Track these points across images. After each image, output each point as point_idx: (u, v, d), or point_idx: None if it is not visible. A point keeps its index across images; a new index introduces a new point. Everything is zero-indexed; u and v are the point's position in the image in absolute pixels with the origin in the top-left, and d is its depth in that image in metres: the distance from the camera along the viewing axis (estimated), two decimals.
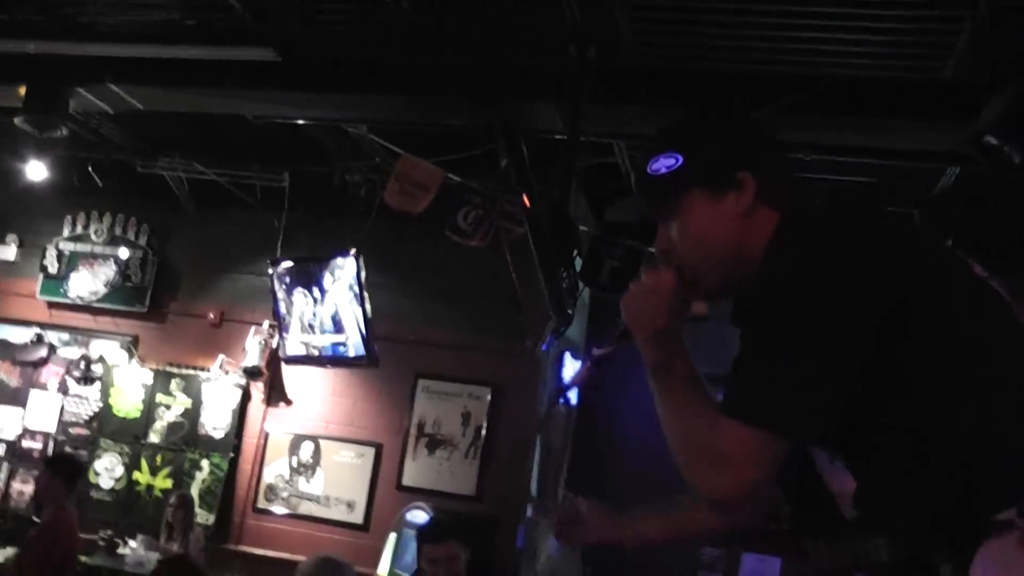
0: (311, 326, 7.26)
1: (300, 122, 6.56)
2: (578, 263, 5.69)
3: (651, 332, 1.73)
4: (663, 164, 1.76)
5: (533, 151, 5.82)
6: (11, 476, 8.05)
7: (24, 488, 7.98)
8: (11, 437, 8.23)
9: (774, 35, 4.71)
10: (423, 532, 5.01)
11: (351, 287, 6.97)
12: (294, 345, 7.38)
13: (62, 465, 6.02)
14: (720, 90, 5.18)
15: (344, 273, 7.00)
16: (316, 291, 7.18)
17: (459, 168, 6.33)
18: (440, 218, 6.42)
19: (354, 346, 7.03)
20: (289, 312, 7.34)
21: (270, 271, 7.38)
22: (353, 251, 6.94)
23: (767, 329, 1.58)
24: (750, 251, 1.70)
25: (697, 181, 1.73)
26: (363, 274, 6.89)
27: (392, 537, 6.81)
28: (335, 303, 7.08)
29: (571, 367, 7.39)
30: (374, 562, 6.73)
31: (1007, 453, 1.45)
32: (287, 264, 7.32)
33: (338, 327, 7.10)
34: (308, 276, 7.21)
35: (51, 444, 8.09)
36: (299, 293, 7.26)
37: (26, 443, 8.19)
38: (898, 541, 1.55)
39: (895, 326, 1.52)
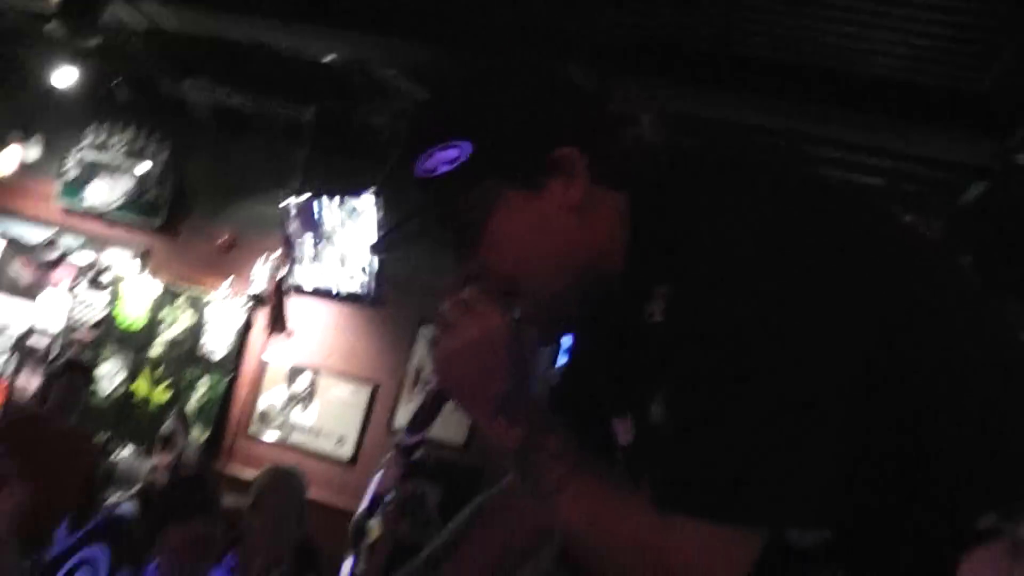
0: (321, 260, 7.38)
1: (329, 58, 6.59)
2: None
3: (491, 403, 1.24)
4: (441, 160, 1.23)
5: None
6: (16, 371, 8.21)
7: (27, 384, 8.18)
8: (19, 333, 8.40)
9: (811, 25, 4.71)
10: None
11: (365, 227, 7.07)
12: (302, 277, 7.50)
13: (83, 371, 5.90)
14: (748, 78, 5.22)
15: (360, 212, 7.09)
16: (330, 226, 7.28)
17: None
18: None
19: (361, 285, 7.15)
20: (300, 244, 7.45)
21: (286, 201, 7.46)
22: (372, 191, 7.02)
23: (716, 379, 1.08)
24: (600, 251, 1.25)
25: (499, 173, 1.23)
26: (380, 214, 6.95)
27: (378, 476, 6.93)
28: (347, 240, 7.18)
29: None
30: (358, 498, 6.85)
31: (983, 460, 1.14)
32: (304, 196, 7.38)
33: (348, 264, 7.21)
34: (324, 210, 7.30)
35: (57, 344, 8.25)
36: (313, 226, 7.36)
37: (32, 340, 8.36)
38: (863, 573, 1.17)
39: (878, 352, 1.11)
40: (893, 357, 1.12)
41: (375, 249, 1.60)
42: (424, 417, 1.41)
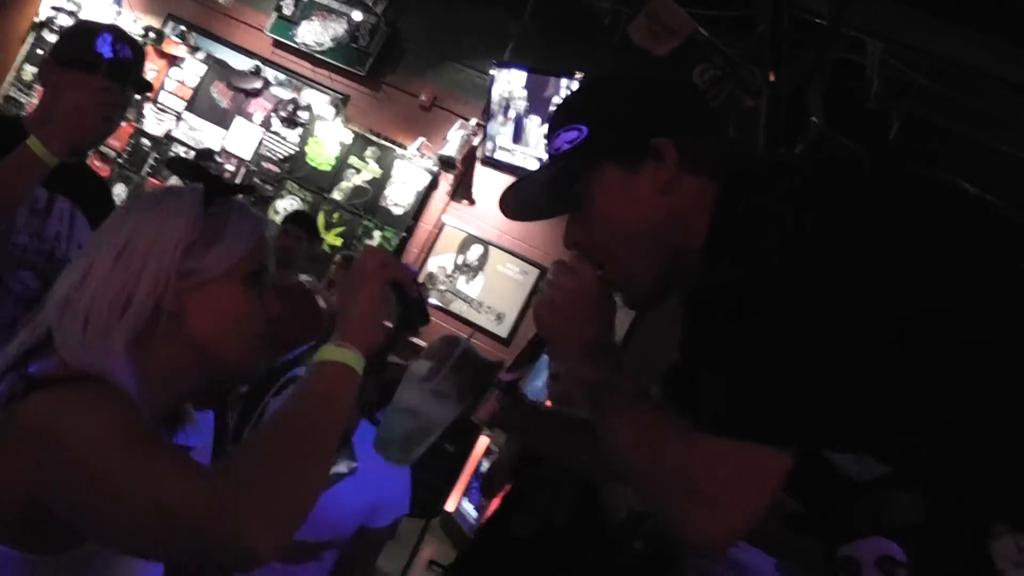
0: (517, 136, 7.29)
1: None
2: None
3: (578, 346, 1.42)
4: (564, 139, 1.46)
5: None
6: None
7: None
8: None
9: None
10: None
11: None
12: (494, 148, 7.43)
13: (304, 223, 5.65)
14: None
15: (564, 94, 6.93)
16: (531, 103, 7.17)
17: (709, 25, 6.19)
18: (674, 68, 6.31)
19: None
20: (499, 116, 7.36)
21: (492, 72, 7.35)
22: (579, 76, 6.87)
23: (749, 323, 1.19)
24: (685, 233, 1.39)
25: (606, 153, 1.43)
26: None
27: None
28: (546, 120, 7.05)
29: None
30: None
31: None
32: (511, 70, 7.27)
33: (537, 145, 7.10)
34: (527, 87, 7.18)
35: (243, 170, 8.40)
36: (514, 100, 7.25)
37: (221, 162, 8.53)
38: (940, 499, 1.26)
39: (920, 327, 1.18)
40: (934, 314, 1.18)
41: (503, 210, 1.66)
42: (523, 359, 1.59)
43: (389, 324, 1.42)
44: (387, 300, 1.40)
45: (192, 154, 8.33)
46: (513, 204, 1.56)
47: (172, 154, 8.64)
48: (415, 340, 6.94)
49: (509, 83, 7.27)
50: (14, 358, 1.30)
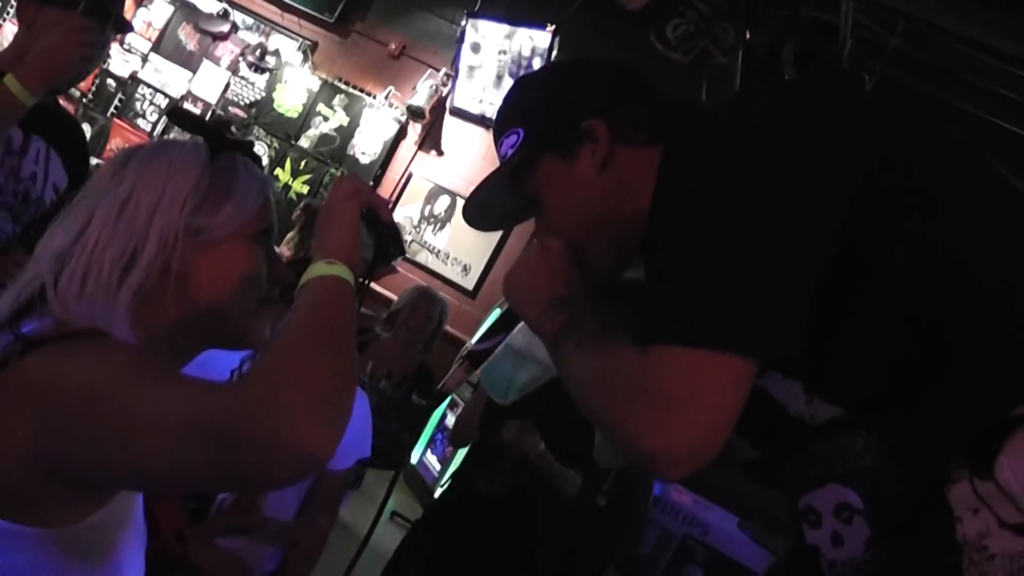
0: (484, 86, 7.23)
1: None
2: None
3: (546, 303, 1.45)
4: (508, 146, 1.53)
5: None
6: (165, 131, 8.31)
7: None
8: (175, 95, 8.47)
9: None
10: None
11: (537, 62, 6.88)
12: (464, 99, 7.37)
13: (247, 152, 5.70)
14: None
15: (535, 46, 6.90)
16: (502, 54, 7.11)
17: None
18: (649, 23, 6.27)
19: None
20: (468, 66, 7.30)
21: (463, 21, 7.26)
22: (551, 27, 6.82)
23: (693, 237, 1.19)
24: (636, 202, 1.42)
25: (544, 148, 1.49)
26: (554, 53, 6.80)
27: (496, 312, 6.91)
28: (517, 71, 7.01)
29: None
30: (471, 330, 6.86)
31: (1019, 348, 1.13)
32: (481, 19, 7.17)
33: None
34: (498, 37, 7.11)
35: (209, 114, 8.30)
36: (484, 50, 7.18)
37: (186, 106, 8.40)
38: (889, 441, 1.18)
39: (870, 207, 1.17)
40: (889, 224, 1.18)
41: (467, 220, 1.70)
42: (496, 329, 1.69)
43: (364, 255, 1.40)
44: (360, 229, 1.37)
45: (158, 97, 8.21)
46: (476, 215, 1.63)
47: (139, 96, 8.52)
48: (384, 291, 6.95)
49: (478, 33, 7.19)
50: (5, 317, 1.22)
